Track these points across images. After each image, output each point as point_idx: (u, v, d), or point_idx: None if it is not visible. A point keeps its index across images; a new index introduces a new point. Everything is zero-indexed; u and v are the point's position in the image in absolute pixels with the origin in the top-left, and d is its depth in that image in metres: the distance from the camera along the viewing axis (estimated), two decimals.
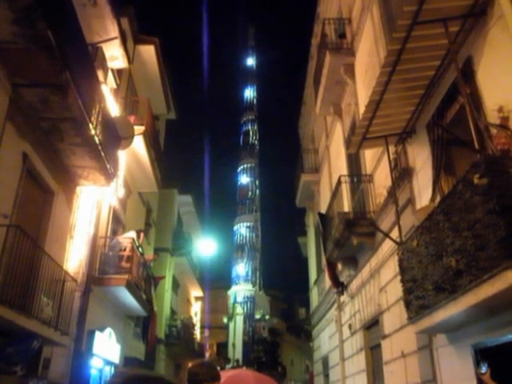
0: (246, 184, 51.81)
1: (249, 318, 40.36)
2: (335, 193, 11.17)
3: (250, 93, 58.29)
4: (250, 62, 60.53)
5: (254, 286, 46.29)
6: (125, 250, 12.02)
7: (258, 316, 41.61)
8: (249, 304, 44.40)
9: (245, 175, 52.49)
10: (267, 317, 42.13)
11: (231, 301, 39.70)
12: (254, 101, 57.87)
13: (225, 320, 37.13)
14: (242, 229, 49.68)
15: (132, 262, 11.89)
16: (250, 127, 55.81)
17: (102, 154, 9.32)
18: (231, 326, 35.13)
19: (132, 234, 13.04)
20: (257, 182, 52.39)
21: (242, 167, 53.16)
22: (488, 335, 5.33)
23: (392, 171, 8.08)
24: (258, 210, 51.32)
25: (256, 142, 54.87)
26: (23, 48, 6.53)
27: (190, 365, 3.71)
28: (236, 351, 33.15)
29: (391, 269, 8.51)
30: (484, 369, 4.98)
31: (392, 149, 8.27)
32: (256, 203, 51.78)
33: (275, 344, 39.96)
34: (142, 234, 13.91)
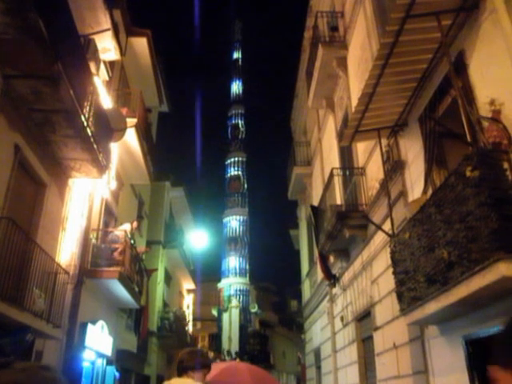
0: (236, 177, 51.71)
1: (243, 311, 40.42)
2: (327, 185, 11.20)
3: (236, 86, 58.06)
4: (237, 56, 60.30)
5: (247, 280, 46.40)
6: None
7: (253, 310, 41.74)
8: (242, 297, 44.50)
9: (233, 168, 52.38)
10: (259, 311, 42.32)
11: (225, 293, 39.79)
12: (241, 94, 57.68)
13: (214, 312, 37.26)
14: (233, 222, 49.62)
15: (124, 255, 11.88)
16: (237, 121, 55.63)
17: (95, 146, 9.29)
18: (225, 318, 35.24)
19: (127, 226, 13.02)
20: (245, 176, 52.30)
21: (230, 160, 53.02)
22: (479, 326, 5.38)
23: (384, 164, 8.11)
24: (247, 204, 51.32)
25: (244, 135, 54.72)
26: (15, 39, 6.47)
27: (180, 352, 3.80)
28: (232, 344, 33.26)
29: (383, 261, 8.57)
30: None
31: (384, 142, 8.30)
32: (245, 197, 51.75)
33: (266, 337, 40.17)
34: (135, 223, 13.86)
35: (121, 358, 14.08)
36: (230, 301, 36.60)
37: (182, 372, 3.49)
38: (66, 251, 10.22)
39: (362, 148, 10.47)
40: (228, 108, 57.52)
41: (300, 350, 31.23)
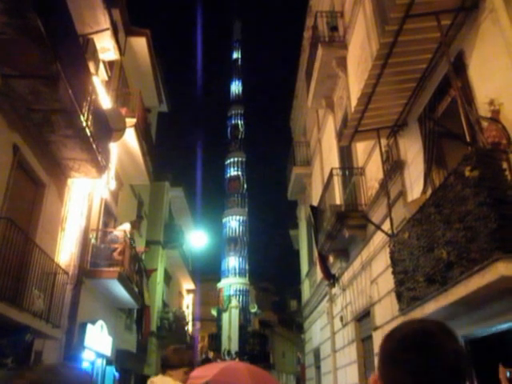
0: (235, 177, 51.66)
1: (243, 311, 40.40)
2: (327, 185, 11.20)
3: (236, 86, 58.00)
4: (236, 55, 60.18)
5: (247, 280, 46.39)
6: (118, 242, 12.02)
7: (253, 310, 41.72)
8: (242, 297, 44.50)
9: (233, 169, 52.33)
10: (259, 311, 42.29)
11: (225, 293, 39.81)
12: (241, 94, 57.62)
13: (213, 312, 37.28)
14: (232, 222, 49.58)
15: (124, 255, 11.87)
16: (237, 121, 55.57)
17: (94, 146, 9.28)
18: (225, 318, 35.25)
19: (127, 226, 13.00)
20: (245, 176, 52.24)
21: (230, 161, 52.97)
22: (478, 326, 5.39)
23: (384, 164, 8.11)
24: (246, 204, 51.29)
25: (244, 135, 54.65)
26: (13, 38, 6.45)
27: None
28: (232, 344, 33.28)
29: (382, 261, 8.57)
30: (508, 374, 4.98)
31: (384, 141, 8.30)
32: (245, 197, 51.71)
33: (265, 337, 40.20)
34: (136, 224, 13.88)
35: (120, 358, 14.07)
36: (229, 301, 36.60)
37: (164, 370, 3.51)
38: (66, 251, 10.21)
39: (361, 148, 10.47)
40: (227, 108, 57.48)
41: (299, 350, 31.23)
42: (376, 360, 1.43)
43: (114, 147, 12.26)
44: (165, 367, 3.52)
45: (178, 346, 3.87)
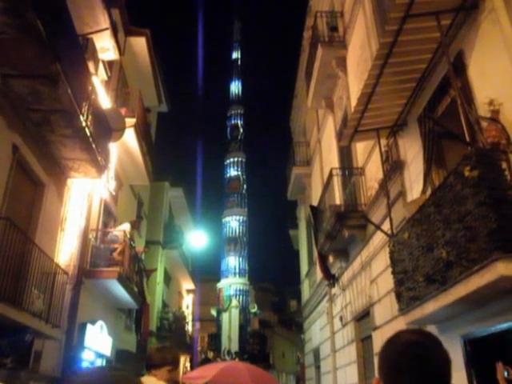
0: (235, 177, 51.59)
1: (243, 310, 40.40)
2: (327, 186, 11.20)
3: (236, 86, 57.92)
4: (236, 56, 60.06)
5: (247, 280, 46.37)
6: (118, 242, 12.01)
7: (253, 310, 41.72)
8: (242, 297, 44.48)
9: (233, 169, 52.27)
10: (259, 311, 42.27)
11: (225, 293, 39.83)
12: (241, 95, 57.52)
13: (213, 312, 37.30)
14: (232, 222, 49.52)
15: (124, 255, 11.87)
16: (237, 121, 55.46)
17: (93, 146, 9.27)
18: (225, 318, 35.27)
19: (126, 226, 12.99)
20: (245, 176, 52.18)
21: (229, 161, 52.90)
22: (477, 325, 5.38)
23: (383, 164, 8.10)
24: (246, 204, 51.24)
25: (243, 135, 54.57)
26: (13, 38, 6.45)
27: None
28: (232, 344, 33.32)
29: (382, 261, 8.56)
30: (506, 374, 4.99)
31: (383, 142, 8.30)
32: (245, 197, 51.66)
33: (265, 337, 40.23)
34: (136, 225, 13.88)
35: (120, 358, 14.07)
36: (230, 301, 36.63)
37: (148, 369, 3.52)
38: (65, 251, 10.20)
39: (361, 148, 10.47)
40: (227, 108, 57.45)
41: (299, 350, 31.28)
42: (376, 360, 1.50)
43: (113, 147, 12.26)
44: (149, 367, 3.53)
45: (161, 345, 3.90)
